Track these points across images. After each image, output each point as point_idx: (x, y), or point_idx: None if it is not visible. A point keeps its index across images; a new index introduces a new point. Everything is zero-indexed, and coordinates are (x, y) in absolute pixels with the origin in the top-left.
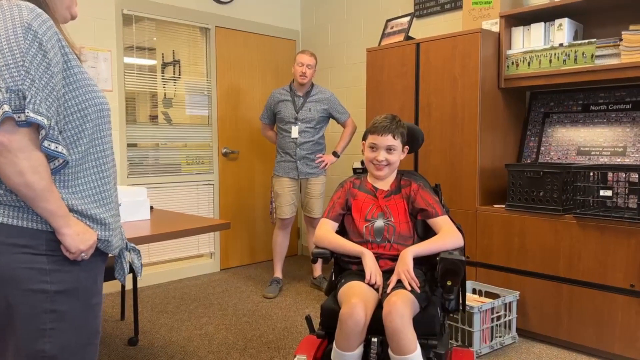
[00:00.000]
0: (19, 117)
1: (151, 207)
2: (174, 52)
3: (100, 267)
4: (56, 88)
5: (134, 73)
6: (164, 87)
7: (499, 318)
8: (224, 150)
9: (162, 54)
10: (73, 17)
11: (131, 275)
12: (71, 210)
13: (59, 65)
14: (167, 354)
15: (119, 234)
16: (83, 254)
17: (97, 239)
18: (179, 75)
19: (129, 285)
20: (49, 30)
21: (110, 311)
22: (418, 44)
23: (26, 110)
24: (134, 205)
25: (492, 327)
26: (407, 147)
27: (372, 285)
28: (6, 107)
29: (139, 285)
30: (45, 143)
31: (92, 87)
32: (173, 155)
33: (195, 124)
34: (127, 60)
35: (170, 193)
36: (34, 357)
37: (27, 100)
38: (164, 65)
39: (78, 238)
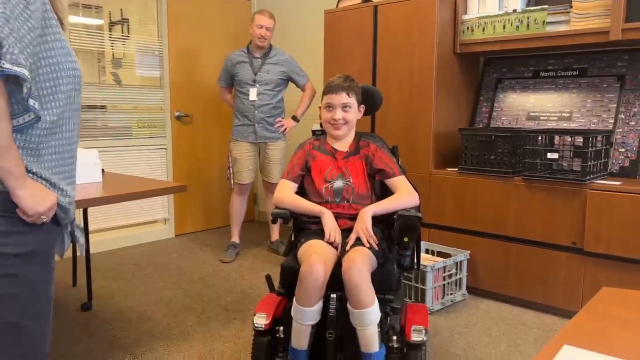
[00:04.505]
0: None
1: (102, 170)
2: (122, 11)
3: (56, 230)
4: (34, 43)
5: (80, 31)
6: (112, 46)
7: (450, 276)
8: (177, 113)
9: (110, 12)
10: None
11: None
12: (29, 172)
13: (39, 21)
14: (123, 318)
15: (74, 207)
16: (43, 217)
17: (57, 202)
18: (128, 34)
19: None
20: None
21: (61, 277)
22: (376, 7)
23: (2, 61)
24: (84, 167)
25: (444, 285)
26: (362, 106)
27: (331, 244)
28: None
29: (91, 251)
30: (30, 102)
31: (67, 51)
32: (123, 117)
33: (146, 86)
34: (73, 19)
35: (121, 157)
36: None
37: (4, 50)
38: (112, 24)
39: (33, 200)
